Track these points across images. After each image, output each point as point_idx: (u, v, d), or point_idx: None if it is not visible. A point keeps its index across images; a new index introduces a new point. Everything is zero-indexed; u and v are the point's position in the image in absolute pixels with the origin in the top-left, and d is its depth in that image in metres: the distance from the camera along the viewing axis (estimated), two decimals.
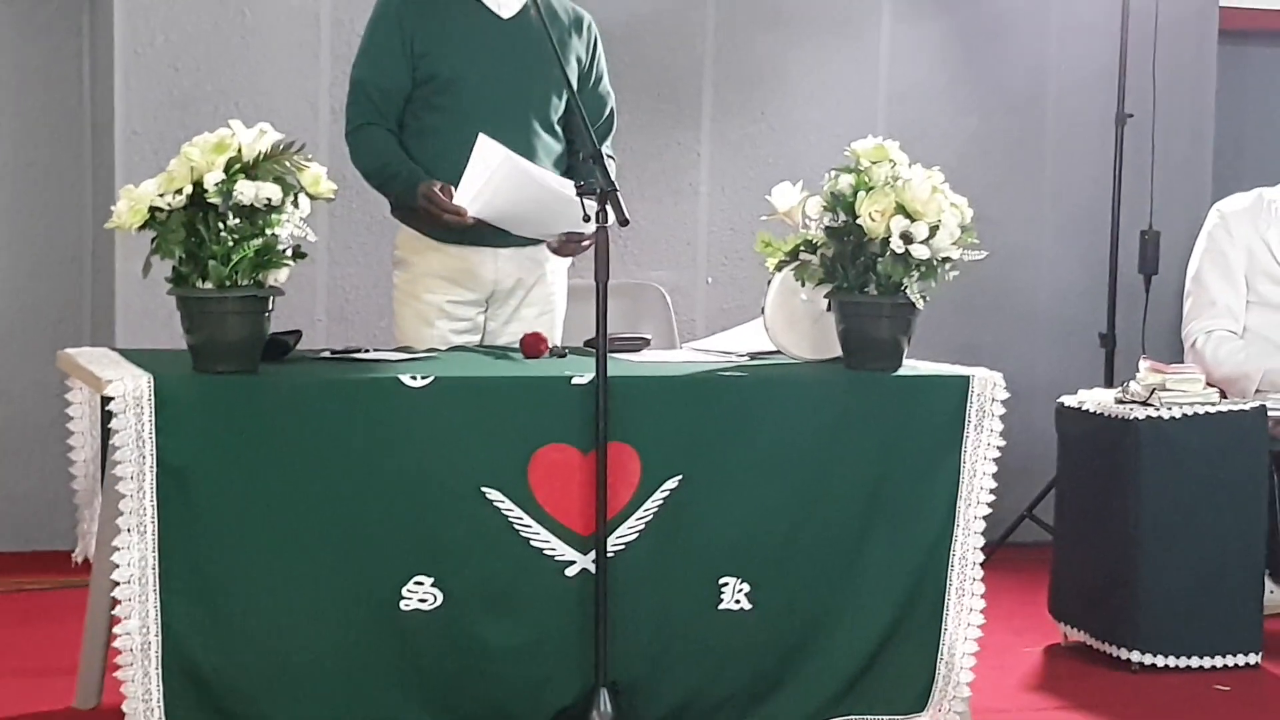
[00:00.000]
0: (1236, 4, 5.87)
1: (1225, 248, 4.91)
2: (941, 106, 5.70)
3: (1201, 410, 4.36)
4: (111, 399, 3.22)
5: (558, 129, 4.20)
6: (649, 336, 4.14)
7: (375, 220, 4.96)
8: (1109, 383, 5.44)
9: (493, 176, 3.85)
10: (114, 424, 3.22)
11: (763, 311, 3.88)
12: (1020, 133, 5.80)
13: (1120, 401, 4.44)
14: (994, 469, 3.75)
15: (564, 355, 3.88)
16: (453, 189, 3.90)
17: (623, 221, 3.47)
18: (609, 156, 4.18)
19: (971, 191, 3.84)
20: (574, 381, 3.50)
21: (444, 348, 4.06)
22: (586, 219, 3.50)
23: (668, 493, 3.56)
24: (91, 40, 5.22)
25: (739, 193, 5.57)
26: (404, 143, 4.14)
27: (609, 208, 3.48)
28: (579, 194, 3.51)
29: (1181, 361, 4.85)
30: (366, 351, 3.77)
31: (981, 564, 3.76)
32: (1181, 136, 5.82)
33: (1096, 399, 4.52)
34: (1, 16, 5.19)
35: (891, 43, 5.66)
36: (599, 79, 4.27)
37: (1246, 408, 4.40)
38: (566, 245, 4.10)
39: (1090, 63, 5.74)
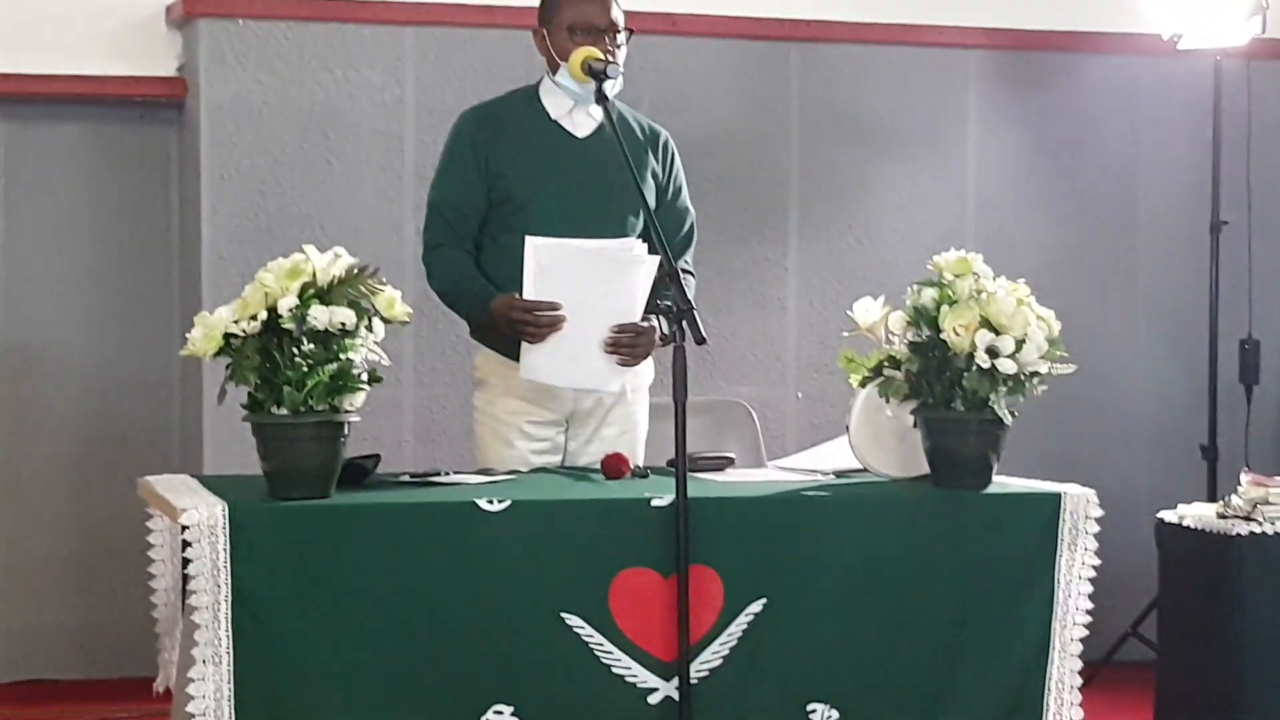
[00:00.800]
0: None
1: None
2: (1030, 216, 5.63)
3: None
4: (187, 527, 3.19)
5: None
6: (732, 455, 4.07)
7: (461, 340, 4.94)
8: (1212, 495, 5.30)
9: (540, 261, 3.82)
10: (189, 553, 3.20)
11: (847, 429, 3.81)
12: (1111, 241, 5.71)
13: (1222, 516, 4.32)
14: (1089, 589, 3.63)
15: (646, 476, 3.81)
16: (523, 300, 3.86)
17: (699, 340, 3.41)
18: (688, 272, 4.14)
19: (1063, 301, 3.77)
20: (654, 503, 3.43)
21: (525, 469, 4.02)
22: (663, 338, 3.45)
23: (752, 616, 3.48)
24: (180, 166, 5.27)
25: (827, 307, 5.51)
26: (480, 264, 4.13)
27: (685, 326, 3.43)
28: (654, 313, 3.46)
29: None
30: (446, 474, 3.73)
31: (1084, 684, 3.64)
32: (1275, 244, 5.71)
33: (1197, 514, 4.39)
34: (90, 143, 5.26)
35: (978, 153, 5.61)
36: (677, 193, 4.24)
37: None
38: (622, 341, 3.91)
39: (1179, 169, 5.66)
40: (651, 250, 4.00)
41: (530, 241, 3.84)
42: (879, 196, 5.56)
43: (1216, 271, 5.41)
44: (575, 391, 4.12)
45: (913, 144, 5.57)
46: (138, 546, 5.07)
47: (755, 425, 4.77)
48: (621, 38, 4.04)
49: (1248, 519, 4.26)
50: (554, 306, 3.86)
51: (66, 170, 5.25)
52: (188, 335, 3.34)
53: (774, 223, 5.50)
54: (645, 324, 3.93)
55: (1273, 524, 4.23)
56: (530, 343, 3.91)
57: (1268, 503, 4.28)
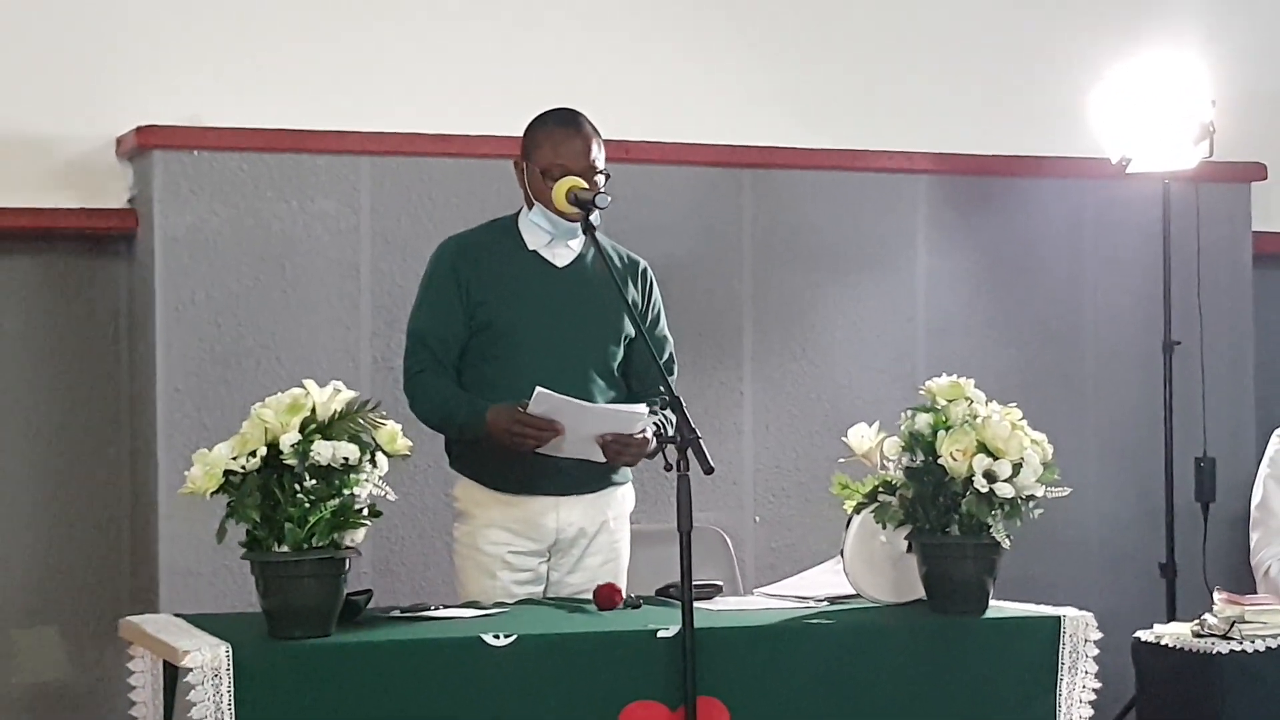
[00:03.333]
0: (1269, 228, 5.89)
1: None
2: (980, 339, 5.67)
3: None
4: (189, 670, 3.10)
5: (616, 377, 4.15)
6: (721, 583, 4.05)
7: (420, 469, 4.86)
8: (1171, 614, 5.33)
9: (545, 408, 3.83)
10: (192, 695, 3.12)
11: (841, 554, 3.79)
12: (1061, 363, 5.77)
13: (1199, 635, 4.33)
14: (1090, 713, 3.64)
15: (639, 606, 3.77)
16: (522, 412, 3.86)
17: (707, 469, 3.40)
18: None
19: None
20: (659, 635, 3.40)
21: (509, 600, 3.97)
22: (668, 467, 3.43)
23: None
24: (131, 298, 5.18)
25: (782, 430, 5.51)
26: None
27: (691, 455, 3.41)
28: (660, 442, 3.45)
29: (1244, 591, 4.75)
30: (436, 608, 3.67)
31: None
32: (1224, 363, 5.80)
33: (1174, 632, 4.40)
34: (40, 275, 5.16)
35: (928, 276, 5.66)
36: (656, 321, 4.25)
37: None
38: (613, 447, 3.94)
39: (1130, 290, 5.74)
40: (645, 390, 4.02)
41: (539, 392, 3.83)
42: (831, 320, 5.58)
43: (1170, 391, 5.48)
44: (558, 520, 4.08)
45: (863, 268, 5.60)
46: (88, 687, 4.99)
47: (730, 552, 4.76)
48: (600, 180, 4.03)
49: (1225, 637, 4.28)
50: (554, 424, 3.84)
51: (14, 303, 5.14)
52: (186, 473, 3.28)
53: (728, 347, 5.50)
54: (640, 436, 3.92)
55: (1252, 642, 4.25)
56: (524, 452, 3.88)
57: (1245, 620, 4.30)
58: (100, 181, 5.11)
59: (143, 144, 4.97)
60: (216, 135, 5.02)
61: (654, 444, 3.91)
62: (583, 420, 3.87)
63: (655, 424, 3.95)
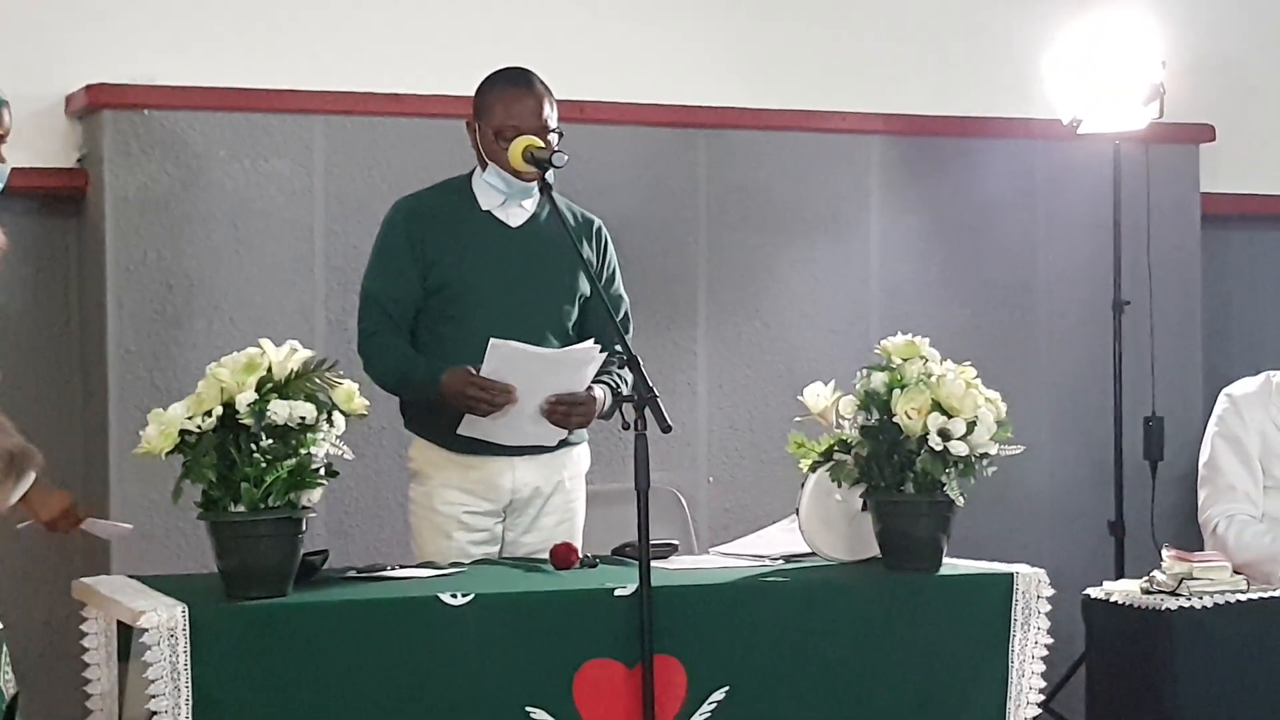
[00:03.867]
0: (1216, 189, 5.93)
1: (1239, 432, 4.88)
2: (933, 299, 5.69)
3: (1233, 599, 4.31)
4: (145, 630, 3.10)
5: (572, 336, 4.15)
6: (676, 542, 4.06)
7: (373, 431, 4.87)
8: (1120, 571, 5.38)
9: (499, 358, 3.84)
10: (148, 656, 3.10)
11: (797, 512, 3.81)
12: (1013, 323, 5.79)
13: (1148, 592, 4.38)
14: (1043, 668, 3.67)
15: (595, 565, 3.79)
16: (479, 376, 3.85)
17: (664, 428, 3.41)
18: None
19: None
20: (616, 593, 3.41)
21: (465, 560, 3.97)
22: (625, 426, 3.44)
23: (715, 704, 3.47)
24: (81, 258, 5.14)
25: (737, 391, 5.53)
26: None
27: (649, 414, 3.42)
28: (617, 401, 3.46)
29: (1192, 549, 4.80)
30: (393, 568, 3.67)
31: None
32: (1173, 323, 5.84)
33: (1124, 589, 4.45)
34: None
35: (881, 237, 5.67)
36: (611, 279, 4.24)
37: (1278, 594, 4.35)
38: (558, 410, 3.93)
39: (1081, 251, 5.77)
40: (601, 341, 4.01)
41: (494, 343, 3.83)
42: (785, 281, 5.59)
43: (1120, 350, 5.51)
44: (513, 481, 4.08)
45: (817, 229, 5.61)
46: (44, 647, 4.96)
47: (685, 511, 4.77)
48: (553, 139, 4.03)
49: (1174, 594, 4.33)
50: (508, 389, 3.84)
51: None
52: (141, 433, 3.26)
53: (683, 308, 5.50)
54: (586, 394, 3.92)
55: (1199, 598, 4.30)
56: (479, 415, 3.87)
57: (1192, 577, 4.35)
58: (50, 141, 5.05)
59: (92, 103, 4.93)
60: (167, 94, 4.98)
61: (604, 404, 3.92)
62: (538, 374, 3.86)
63: (610, 383, 3.96)
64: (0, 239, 3.60)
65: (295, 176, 5.11)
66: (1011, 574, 3.69)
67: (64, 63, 4.98)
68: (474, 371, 3.86)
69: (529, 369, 3.86)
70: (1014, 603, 3.67)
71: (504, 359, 3.83)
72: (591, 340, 3.99)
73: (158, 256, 4.99)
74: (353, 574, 3.63)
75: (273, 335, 3.69)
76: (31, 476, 3.49)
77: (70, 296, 5.18)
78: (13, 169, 4.96)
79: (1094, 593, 4.52)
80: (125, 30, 5.02)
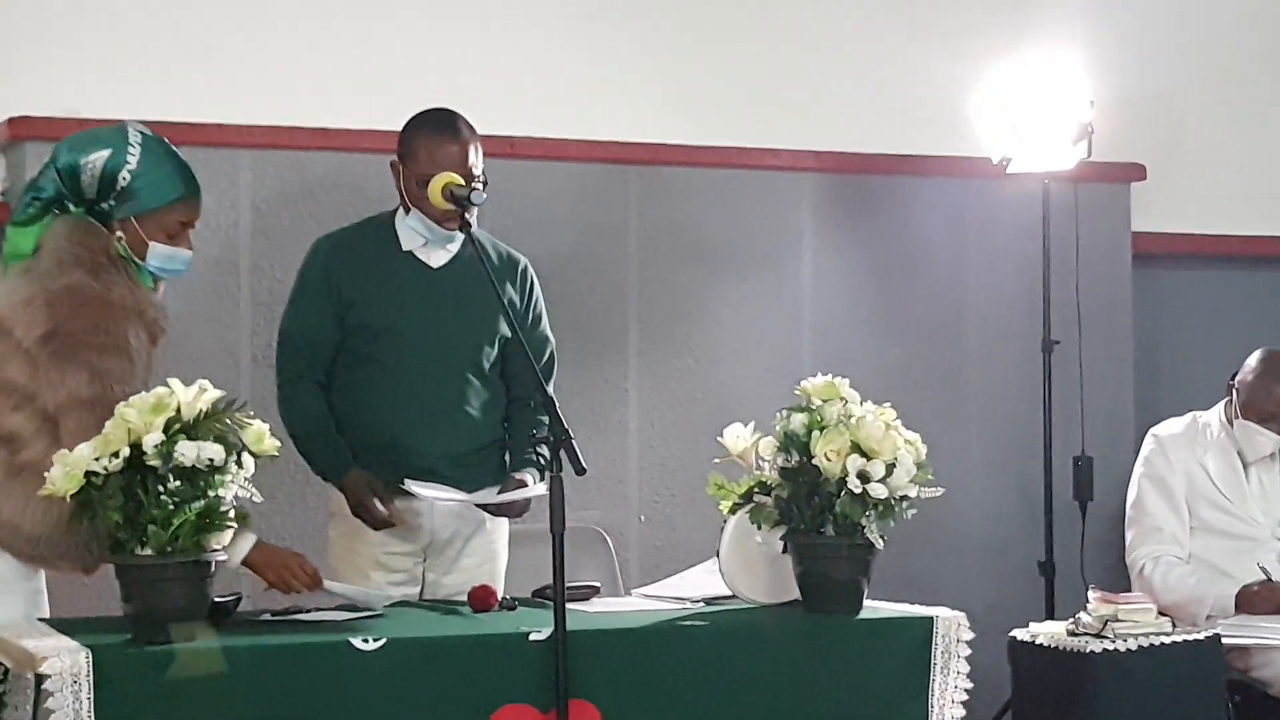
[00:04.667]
0: (1147, 229, 5.95)
1: (1164, 473, 4.89)
2: (864, 338, 5.69)
3: (1157, 641, 4.30)
4: (47, 676, 3.04)
5: (490, 376, 4.13)
6: (598, 584, 4.03)
7: (300, 468, 4.78)
8: (1050, 611, 5.37)
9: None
10: (50, 703, 3.04)
11: (717, 555, 3.78)
12: (944, 362, 5.79)
13: (1073, 634, 4.37)
14: (962, 712, 3.65)
15: (514, 607, 3.75)
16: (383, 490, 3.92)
17: (578, 470, 3.38)
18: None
19: (900, 422, 3.79)
20: (531, 637, 3.37)
21: (353, 590, 3.93)
22: (540, 469, 3.40)
23: None
24: None
25: (668, 428, 5.50)
26: (334, 394, 4.06)
27: (563, 455, 3.39)
28: (532, 444, 3.43)
29: (1122, 588, 4.80)
30: (308, 611, 3.62)
31: None
32: (1103, 362, 5.85)
33: (1049, 631, 4.44)
34: None
35: (813, 275, 5.66)
36: (537, 321, 4.22)
37: (1201, 637, 4.35)
38: (502, 509, 4.02)
39: (1010, 290, 5.78)
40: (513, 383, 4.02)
41: (410, 484, 3.91)
42: (716, 318, 5.57)
43: (1050, 390, 5.51)
44: (432, 522, 4.05)
45: (749, 266, 5.60)
46: None
47: (610, 551, 4.74)
48: (478, 184, 3.99)
49: (1099, 636, 4.32)
50: (389, 520, 3.95)
51: None
52: (45, 474, 3.21)
53: (614, 344, 5.48)
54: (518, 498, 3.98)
55: (1124, 640, 4.29)
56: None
57: (1117, 619, 4.34)
58: None
59: (15, 135, 4.88)
60: (91, 127, 4.93)
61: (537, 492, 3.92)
62: (452, 505, 3.95)
63: (535, 466, 3.98)
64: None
65: (221, 211, 5.06)
66: (932, 617, 3.67)
67: None
68: (375, 489, 3.92)
69: (441, 502, 3.95)
70: (934, 646, 3.64)
71: (417, 497, 3.91)
72: (517, 396, 4.10)
73: None
74: (266, 617, 3.58)
75: (197, 372, 3.65)
76: (251, 538, 3.53)
77: None
78: None
79: (1020, 634, 4.50)
80: (49, 63, 4.97)
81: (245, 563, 3.57)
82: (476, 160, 4.00)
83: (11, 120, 4.87)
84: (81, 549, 3.32)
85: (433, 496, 3.89)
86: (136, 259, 3.67)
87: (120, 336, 3.52)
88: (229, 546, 3.41)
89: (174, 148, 3.80)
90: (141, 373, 3.54)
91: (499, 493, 3.97)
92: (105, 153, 3.66)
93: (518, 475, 4.00)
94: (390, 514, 3.95)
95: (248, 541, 3.54)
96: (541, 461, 3.93)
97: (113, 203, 3.66)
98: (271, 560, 3.62)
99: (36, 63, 4.97)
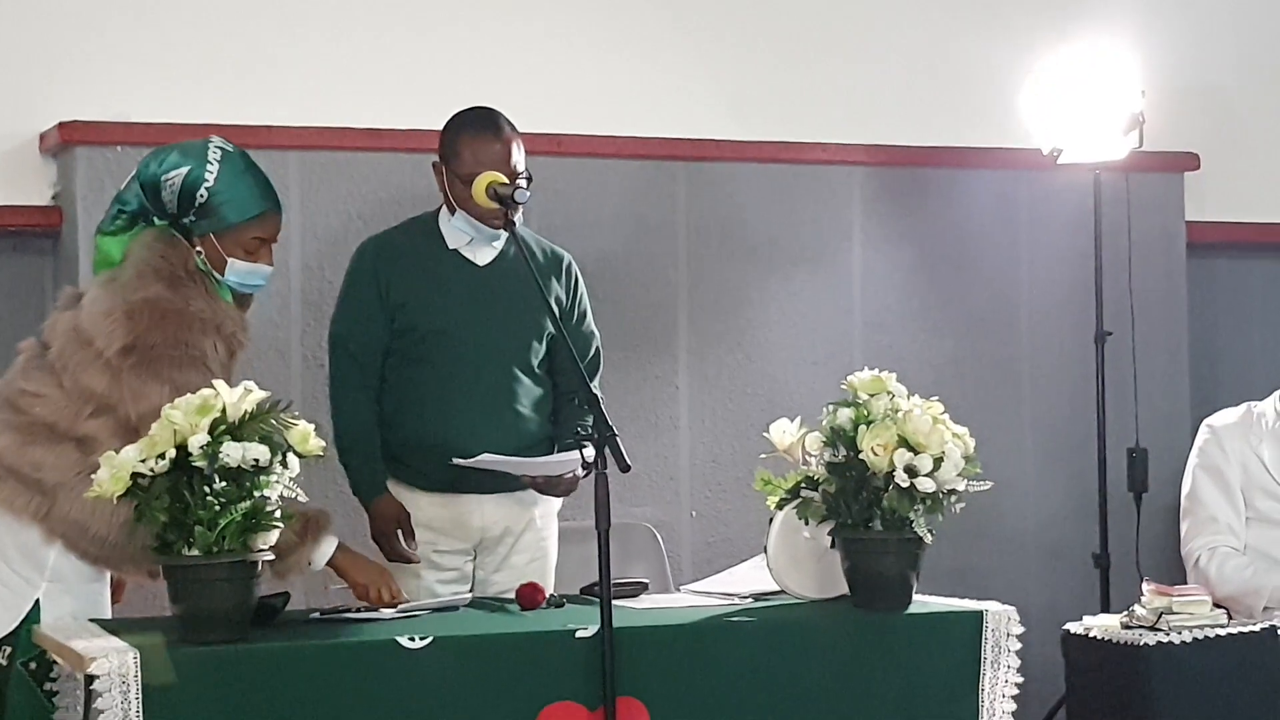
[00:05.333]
0: (1202, 218, 5.89)
1: (1220, 464, 4.84)
2: (916, 331, 5.66)
3: (1212, 633, 4.26)
4: (96, 676, 3.06)
5: (539, 373, 4.13)
6: (646, 581, 4.02)
7: None
8: (1105, 604, 5.33)
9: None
10: (99, 704, 3.07)
11: (765, 550, 3.77)
12: (996, 355, 5.75)
13: (1127, 626, 4.33)
14: (1013, 706, 3.63)
15: (561, 605, 3.75)
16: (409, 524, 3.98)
17: (623, 467, 3.37)
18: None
19: (952, 415, 3.78)
20: (578, 635, 3.37)
21: (433, 599, 3.94)
22: (586, 468, 3.40)
23: None
24: (55, 297, 5.08)
25: (719, 424, 5.49)
26: (384, 395, 4.07)
27: (608, 454, 3.38)
28: (577, 441, 3.43)
29: (1177, 580, 4.75)
30: (356, 610, 3.64)
31: None
32: (1158, 353, 5.80)
33: (1103, 625, 4.40)
34: None
35: (863, 268, 5.64)
36: (582, 318, 4.22)
37: (1258, 629, 4.31)
38: (548, 484, 4.01)
39: (1062, 282, 5.73)
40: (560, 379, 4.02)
41: (485, 457, 3.92)
42: (767, 313, 5.56)
43: (1103, 382, 5.47)
44: (483, 519, 4.06)
45: (799, 261, 5.58)
46: None
47: (660, 548, 4.74)
48: (521, 182, 3.99)
49: (1153, 629, 4.28)
50: (410, 558, 3.98)
51: None
52: (93, 477, 3.23)
53: (663, 341, 5.47)
54: (565, 475, 3.98)
55: (1179, 633, 4.25)
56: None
57: (1172, 611, 4.30)
58: (23, 178, 5.04)
59: (66, 140, 4.91)
60: (141, 131, 4.96)
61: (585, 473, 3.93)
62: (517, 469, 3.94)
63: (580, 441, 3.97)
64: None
65: None
66: (981, 612, 3.64)
67: (38, 100, 4.97)
68: (401, 525, 3.97)
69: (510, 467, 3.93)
70: (984, 640, 3.63)
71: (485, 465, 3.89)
72: (564, 391, 4.10)
73: None
74: (315, 616, 3.60)
75: (249, 373, 3.69)
76: (333, 541, 3.63)
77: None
78: None
79: (1073, 628, 4.46)
80: (99, 67, 5.00)
81: (331, 564, 3.63)
82: (519, 157, 4.00)
83: (62, 125, 4.90)
84: (146, 552, 3.35)
85: (479, 463, 3.86)
86: (216, 274, 3.71)
87: (198, 350, 3.58)
88: (311, 548, 3.47)
89: (254, 162, 3.84)
90: None
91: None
92: (185, 169, 3.72)
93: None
94: (409, 552, 3.97)
95: (330, 545, 3.64)
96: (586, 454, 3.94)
97: (193, 218, 3.73)
98: (361, 567, 3.71)
99: (86, 67, 5.00)
